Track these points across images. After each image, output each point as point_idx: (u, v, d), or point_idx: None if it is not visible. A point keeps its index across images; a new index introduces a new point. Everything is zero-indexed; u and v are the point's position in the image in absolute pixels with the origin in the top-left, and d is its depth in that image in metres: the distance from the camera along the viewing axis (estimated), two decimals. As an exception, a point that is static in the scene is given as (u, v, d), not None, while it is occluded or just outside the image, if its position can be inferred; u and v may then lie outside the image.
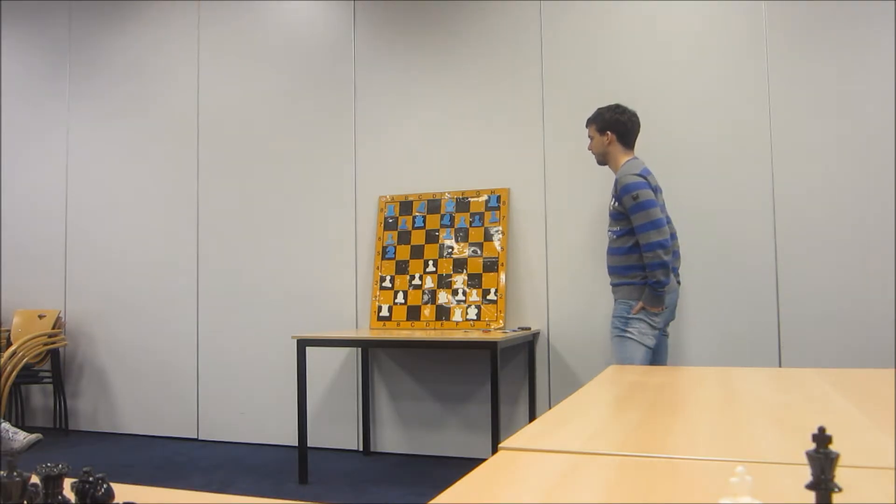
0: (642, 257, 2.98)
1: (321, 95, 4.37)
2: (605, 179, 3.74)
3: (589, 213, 3.80)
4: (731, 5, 3.62)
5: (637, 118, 3.21)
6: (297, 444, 3.67)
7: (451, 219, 4.01)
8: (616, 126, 3.16)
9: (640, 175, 3.00)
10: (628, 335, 3.03)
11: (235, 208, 4.53)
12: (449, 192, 4.05)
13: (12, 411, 4.88)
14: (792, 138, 3.50)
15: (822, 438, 0.63)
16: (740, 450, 1.07)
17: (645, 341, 3.02)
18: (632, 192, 2.96)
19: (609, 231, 3.16)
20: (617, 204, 3.06)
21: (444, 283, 3.93)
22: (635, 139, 3.22)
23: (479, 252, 3.91)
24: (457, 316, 3.84)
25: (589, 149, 3.27)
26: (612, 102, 3.25)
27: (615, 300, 3.15)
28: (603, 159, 3.25)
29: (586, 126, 3.28)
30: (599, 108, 3.23)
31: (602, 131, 3.19)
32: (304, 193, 4.38)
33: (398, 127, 4.20)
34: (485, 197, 3.98)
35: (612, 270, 3.15)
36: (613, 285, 3.17)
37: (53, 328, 4.80)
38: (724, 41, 3.63)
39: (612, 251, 3.14)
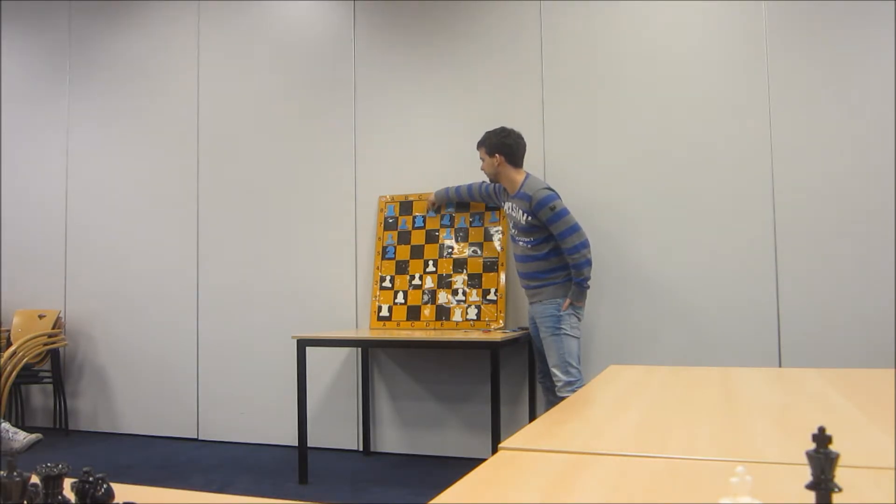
0: (564, 260, 3.28)
1: (321, 95, 4.37)
2: (604, 180, 3.75)
3: (588, 214, 3.79)
4: (731, 5, 3.62)
5: (522, 139, 3.48)
6: (297, 444, 3.67)
7: (451, 219, 4.01)
8: (502, 149, 3.42)
9: (549, 188, 3.33)
10: (563, 331, 3.29)
11: (235, 208, 4.53)
12: (449, 192, 4.04)
13: (12, 411, 4.88)
14: (792, 138, 3.49)
15: (822, 438, 0.63)
16: (740, 450, 1.07)
17: (577, 334, 3.33)
18: (549, 204, 3.26)
19: (521, 242, 3.41)
20: (531, 218, 3.31)
21: (444, 283, 3.93)
22: (523, 157, 3.48)
23: (479, 252, 3.91)
24: (457, 316, 3.84)
25: (482, 169, 3.54)
26: (498, 126, 3.50)
27: (538, 303, 3.39)
28: (495, 178, 3.52)
29: (477, 149, 3.53)
30: (487, 132, 3.48)
31: (491, 154, 3.46)
32: (304, 193, 4.38)
33: (398, 127, 4.20)
34: (485, 197, 3.97)
35: (532, 276, 3.40)
36: (534, 288, 3.41)
37: (53, 328, 4.79)
38: (725, 41, 3.63)
39: (527, 258, 3.39)
